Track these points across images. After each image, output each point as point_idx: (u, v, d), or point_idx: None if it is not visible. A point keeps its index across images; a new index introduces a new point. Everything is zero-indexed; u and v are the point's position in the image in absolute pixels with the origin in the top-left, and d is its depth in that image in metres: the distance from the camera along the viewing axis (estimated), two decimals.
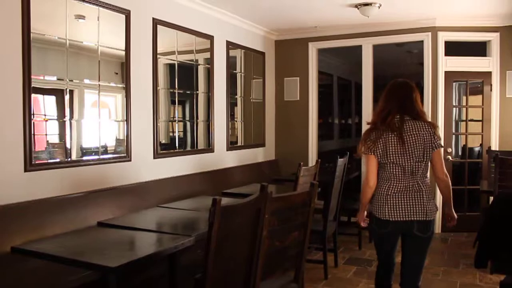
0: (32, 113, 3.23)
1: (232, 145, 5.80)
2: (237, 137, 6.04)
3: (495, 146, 5.80)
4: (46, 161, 3.38)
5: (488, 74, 5.87)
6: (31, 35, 3.19)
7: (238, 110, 6.06)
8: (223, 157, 5.58)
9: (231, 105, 5.80)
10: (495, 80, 5.85)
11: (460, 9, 5.36)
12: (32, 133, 3.24)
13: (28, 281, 2.82)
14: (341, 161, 4.47)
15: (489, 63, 5.88)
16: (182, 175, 4.72)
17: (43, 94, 3.43)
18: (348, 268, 4.62)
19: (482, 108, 5.94)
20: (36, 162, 3.28)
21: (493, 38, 5.84)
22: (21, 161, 3.17)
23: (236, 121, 6.01)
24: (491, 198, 5.11)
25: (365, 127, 6.27)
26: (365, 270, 4.57)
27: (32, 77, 3.22)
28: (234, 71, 5.89)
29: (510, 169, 4.40)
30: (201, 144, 5.24)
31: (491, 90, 5.86)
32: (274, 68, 6.84)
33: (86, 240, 2.91)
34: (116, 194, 3.84)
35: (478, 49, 6.04)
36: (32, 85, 3.22)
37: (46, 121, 3.43)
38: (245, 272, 2.36)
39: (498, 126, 5.87)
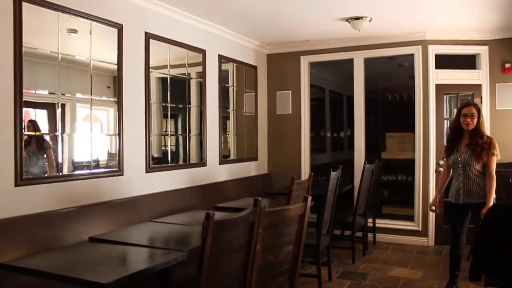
0: (23, 127, 3.21)
1: (224, 159, 5.79)
2: (229, 150, 6.03)
3: None
4: (37, 176, 3.35)
5: (478, 86, 5.93)
6: (23, 49, 3.18)
7: (231, 123, 6.06)
8: (216, 171, 5.56)
9: (224, 118, 5.80)
10: (485, 92, 5.91)
11: (450, 22, 5.44)
12: (23, 147, 3.21)
13: None
14: (334, 175, 4.47)
15: (478, 76, 5.95)
16: (174, 189, 4.69)
17: (35, 108, 3.41)
18: (342, 282, 4.59)
19: None
20: (27, 176, 3.24)
21: (482, 51, 5.91)
22: (12, 175, 3.14)
23: (228, 134, 6.00)
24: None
25: (358, 139, 6.33)
26: (359, 283, 4.54)
27: (24, 91, 3.20)
28: (227, 85, 5.90)
29: (501, 181, 4.43)
30: (193, 158, 5.22)
31: (481, 102, 5.91)
32: (266, 81, 6.87)
33: (77, 256, 2.87)
34: (108, 209, 3.81)
35: (469, 62, 6.11)
36: (24, 99, 3.20)
37: (37, 134, 3.40)
38: (239, 286, 2.33)
39: None
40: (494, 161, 3.97)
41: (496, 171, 4.50)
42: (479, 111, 4.01)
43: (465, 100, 4.24)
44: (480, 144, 3.95)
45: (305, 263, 4.63)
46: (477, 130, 3.99)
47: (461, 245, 4.18)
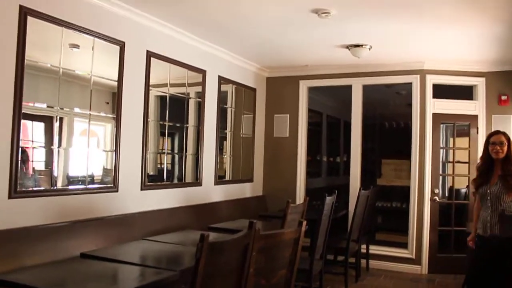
0: (20, 139, 3.20)
1: (220, 179, 5.78)
2: (225, 171, 6.02)
3: None
4: (31, 189, 3.33)
5: (475, 117, 5.98)
6: (25, 62, 3.20)
7: (227, 144, 6.07)
8: (211, 191, 5.54)
9: (221, 139, 5.81)
10: (481, 123, 5.95)
11: (448, 53, 5.51)
12: (19, 159, 3.20)
13: None
14: (329, 199, 4.46)
15: (475, 107, 6.00)
16: (168, 207, 4.67)
17: (32, 121, 3.41)
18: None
19: (469, 150, 6.02)
20: (22, 189, 3.23)
21: (479, 83, 5.97)
22: (6, 187, 3.11)
23: (225, 155, 6.00)
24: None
25: (354, 164, 6.33)
26: None
27: (23, 103, 3.20)
28: (225, 106, 5.93)
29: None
30: (189, 177, 5.21)
31: (477, 132, 5.96)
32: (265, 104, 6.90)
33: (67, 272, 2.84)
34: (101, 225, 3.78)
35: (466, 92, 6.17)
36: (22, 111, 3.20)
37: (34, 148, 3.40)
38: None
39: None
40: None
41: None
42: (508, 139, 3.81)
43: (493, 131, 3.97)
44: None
45: (298, 287, 4.59)
46: (509, 160, 3.74)
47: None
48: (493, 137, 3.85)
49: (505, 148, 3.75)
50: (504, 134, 3.84)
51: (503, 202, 3.64)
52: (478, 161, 4.05)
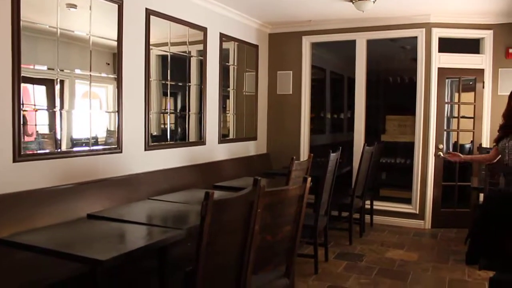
0: (21, 103, 3.18)
1: (223, 138, 5.78)
2: (229, 130, 6.01)
3: (486, 143, 5.83)
4: (35, 152, 3.34)
5: (481, 71, 5.88)
6: (21, 23, 3.13)
7: (230, 103, 6.03)
8: (215, 150, 5.55)
9: (223, 97, 5.76)
10: (488, 77, 5.87)
11: (454, 6, 5.36)
12: (22, 123, 3.19)
13: (15, 274, 2.78)
14: (333, 156, 4.46)
15: (482, 61, 5.89)
16: (173, 167, 4.69)
17: (33, 84, 3.37)
18: (339, 263, 4.62)
19: (474, 105, 5.96)
20: (25, 152, 3.23)
21: (486, 36, 5.84)
22: (10, 151, 3.12)
23: (228, 114, 5.97)
24: (481, 195, 5.14)
25: (358, 121, 6.31)
26: (355, 265, 4.58)
27: (22, 66, 3.16)
28: (227, 64, 5.85)
29: (500, 166, 4.42)
30: (192, 137, 5.20)
31: (483, 87, 5.88)
32: (268, 61, 6.81)
33: (75, 233, 2.87)
34: (106, 186, 3.81)
35: (472, 46, 6.05)
36: (22, 75, 3.17)
37: (36, 111, 3.38)
38: (236, 266, 2.34)
39: (489, 123, 5.89)
40: None
41: None
42: None
43: None
44: None
45: (303, 243, 4.67)
46: None
47: None
48: None
49: None
50: None
51: None
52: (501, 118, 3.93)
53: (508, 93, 3.81)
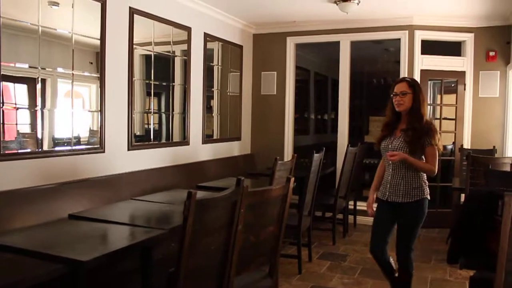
0: (1, 101, 3.13)
1: (207, 138, 5.76)
2: (213, 130, 6.00)
3: (467, 144, 5.92)
4: (16, 151, 3.28)
5: (462, 73, 5.97)
6: (1, 19, 3.08)
7: (215, 103, 6.02)
8: (199, 150, 5.53)
9: (208, 98, 5.75)
10: (469, 79, 5.96)
11: (437, 8, 5.44)
12: (1, 122, 3.14)
13: None
14: (317, 156, 4.48)
15: (463, 63, 5.98)
16: (156, 167, 4.66)
17: (14, 82, 3.32)
18: (322, 263, 4.64)
19: (456, 107, 6.05)
20: (6, 152, 3.18)
21: (468, 39, 5.94)
22: None
23: (212, 114, 5.96)
24: (463, 195, 5.22)
25: (341, 122, 6.35)
26: (339, 265, 4.60)
27: (2, 63, 3.11)
28: (211, 64, 5.84)
29: (481, 167, 4.49)
30: (176, 137, 5.18)
31: (464, 89, 5.97)
32: (252, 61, 6.81)
33: (56, 233, 2.84)
34: (88, 186, 3.76)
35: (454, 48, 6.14)
36: (2, 73, 3.12)
37: (17, 110, 3.33)
38: (220, 266, 2.34)
39: (470, 124, 5.99)
40: (434, 153, 3.15)
41: (474, 158, 4.56)
42: (413, 87, 3.19)
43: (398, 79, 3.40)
44: (417, 130, 3.13)
45: (286, 243, 4.68)
46: (414, 112, 3.17)
47: (382, 248, 3.31)
48: (396, 86, 3.25)
49: (407, 99, 3.18)
50: (409, 81, 3.24)
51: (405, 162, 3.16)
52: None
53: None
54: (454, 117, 6.09)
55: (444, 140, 6.29)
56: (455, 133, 6.06)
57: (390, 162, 3.22)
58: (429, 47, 6.02)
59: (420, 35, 5.92)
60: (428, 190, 3.28)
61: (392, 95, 3.26)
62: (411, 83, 3.23)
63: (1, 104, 3.14)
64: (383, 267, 3.38)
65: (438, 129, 3.27)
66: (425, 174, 3.25)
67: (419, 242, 5.43)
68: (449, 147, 6.38)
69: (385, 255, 3.31)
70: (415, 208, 3.21)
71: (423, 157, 3.20)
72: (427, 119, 3.21)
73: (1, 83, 3.12)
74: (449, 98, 6.18)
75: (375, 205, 3.45)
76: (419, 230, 3.28)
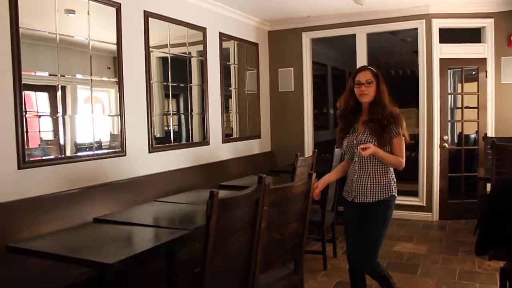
0: (24, 110, 3.18)
1: (227, 137, 5.77)
2: (232, 129, 6.01)
3: (491, 133, 5.80)
4: (40, 158, 3.34)
5: (483, 60, 5.85)
6: (20, 30, 3.13)
7: (233, 102, 6.02)
8: (219, 150, 5.54)
9: (226, 97, 5.76)
10: (490, 66, 5.83)
11: None
12: (25, 130, 3.19)
13: (24, 280, 2.78)
14: (337, 151, 4.45)
15: (484, 50, 5.86)
16: (178, 168, 4.69)
17: (35, 91, 3.38)
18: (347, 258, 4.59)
19: (478, 95, 5.93)
20: (30, 159, 3.23)
21: (488, 24, 5.81)
22: (14, 158, 3.12)
23: (230, 113, 5.97)
24: (489, 185, 5.12)
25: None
26: None
27: (23, 73, 3.16)
28: (228, 63, 5.84)
29: (507, 156, 4.40)
30: (196, 137, 5.20)
31: (486, 76, 5.85)
32: (268, 59, 6.79)
33: (82, 237, 2.87)
34: (111, 190, 3.80)
35: (473, 35, 6.01)
36: (24, 82, 3.17)
37: (39, 117, 3.38)
38: (244, 264, 2.34)
39: (493, 112, 5.86)
40: (402, 143, 3.00)
41: (499, 146, 4.46)
42: (377, 76, 2.97)
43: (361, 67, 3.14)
44: (381, 120, 2.91)
45: (310, 239, 4.66)
46: (378, 103, 2.94)
47: (353, 256, 3.21)
48: (358, 74, 2.99)
49: (372, 88, 2.95)
50: (372, 70, 3.00)
51: (372, 157, 2.96)
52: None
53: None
54: (476, 106, 5.96)
55: (468, 129, 6.22)
56: (478, 122, 5.94)
57: (357, 159, 3.00)
58: (448, 35, 5.91)
59: (437, 24, 5.82)
60: (396, 187, 3.05)
61: (353, 84, 3.00)
62: (375, 71, 3.00)
63: (24, 113, 3.19)
64: (356, 279, 3.20)
65: (403, 117, 3.02)
66: (392, 170, 3.05)
67: (445, 234, 5.36)
68: (473, 136, 6.27)
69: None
70: (385, 207, 2.99)
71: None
72: (390, 109, 2.97)
73: (23, 92, 3.17)
74: (470, 86, 6.06)
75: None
76: (386, 232, 3.04)
